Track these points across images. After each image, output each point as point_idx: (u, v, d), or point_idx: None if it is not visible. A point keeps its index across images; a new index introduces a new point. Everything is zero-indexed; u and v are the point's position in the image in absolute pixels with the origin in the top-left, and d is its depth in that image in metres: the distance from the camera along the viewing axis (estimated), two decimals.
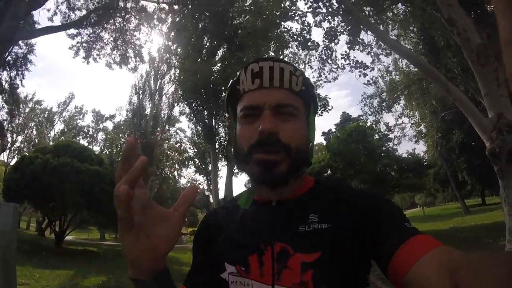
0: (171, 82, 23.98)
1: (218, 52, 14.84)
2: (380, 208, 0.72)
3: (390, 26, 13.33)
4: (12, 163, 23.30)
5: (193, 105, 14.88)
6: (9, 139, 26.35)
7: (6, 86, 14.79)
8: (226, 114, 0.91)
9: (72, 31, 13.99)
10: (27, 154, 15.55)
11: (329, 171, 24.50)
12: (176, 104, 24.31)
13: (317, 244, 0.71)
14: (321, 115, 16.78)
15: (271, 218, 0.78)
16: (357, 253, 0.70)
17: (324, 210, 0.75)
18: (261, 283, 0.72)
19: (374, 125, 21.61)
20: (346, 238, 0.70)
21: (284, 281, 0.70)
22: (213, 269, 0.80)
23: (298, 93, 0.78)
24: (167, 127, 26.59)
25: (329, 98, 16.49)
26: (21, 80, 15.02)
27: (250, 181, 0.81)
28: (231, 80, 0.83)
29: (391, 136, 23.39)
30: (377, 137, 23.06)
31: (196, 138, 22.05)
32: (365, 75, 11.65)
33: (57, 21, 15.81)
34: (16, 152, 29.25)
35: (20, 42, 13.43)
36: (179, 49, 15.16)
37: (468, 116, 5.77)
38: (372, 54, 12.03)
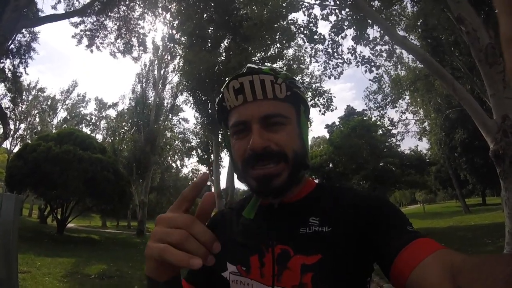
0: (175, 72, 23.95)
1: (223, 42, 14.77)
2: (382, 212, 0.72)
3: (397, 19, 13.23)
4: (15, 151, 23.44)
5: (197, 95, 14.86)
6: (12, 127, 26.41)
7: (9, 74, 14.77)
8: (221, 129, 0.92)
9: (76, 19, 13.93)
10: (30, 142, 15.62)
11: (330, 165, 24.52)
12: (179, 93, 24.31)
13: (318, 247, 0.71)
14: (324, 114, 16.72)
15: (273, 220, 0.80)
16: (358, 256, 0.70)
17: (325, 213, 0.76)
18: (262, 284, 0.73)
19: (378, 120, 21.57)
20: (347, 241, 0.71)
21: (284, 283, 0.71)
22: (215, 268, 0.80)
23: (284, 100, 0.77)
24: (170, 116, 26.65)
25: (334, 97, 16.41)
26: (24, 68, 15.02)
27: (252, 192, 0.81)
28: (217, 98, 0.83)
29: (395, 131, 23.37)
30: (381, 132, 23.02)
31: (199, 128, 22.09)
32: (371, 71, 11.55)
33: (61, 9, 15.71)
34: (19, 139, 29.37)
35: (23, 30, 13.38)
36: (183, 38, 15.09)
37: (473, 116, 5.73)
38: (378, 50, 11.94)
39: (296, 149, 0.76)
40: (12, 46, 13.34)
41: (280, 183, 0.74)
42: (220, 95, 0.81)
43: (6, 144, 28.45)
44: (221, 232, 0.86)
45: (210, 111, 14.71)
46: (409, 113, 23.43)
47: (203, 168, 25.56)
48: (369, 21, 9.94)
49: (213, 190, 21.11)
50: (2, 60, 12.22)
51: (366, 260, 0.71)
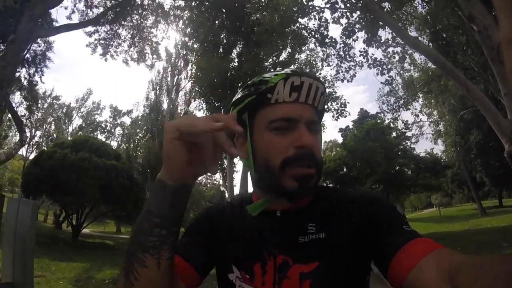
0: (188, 78, 24.20)
1: (235, 48, 14.85)
2: (378, 212, 0.73)
3: (408, 21, 13.14)
4: (30, 158, 23.87)
5: (210, 101, 14.95)
6: (28, 134, 26.95)
7: (25, 83, 15.10)
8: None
9: (90, 28, 14.21)
10: (45, 149, 15.86)
11: (344, 169, 24.33)
12: (193, 100, 24.55)
13: (315, 254, 0.73)
14: (337, 120, 16.66)
15: (275, 229, 0.79)
16: (356, 257, 0.72)
17: (321, 219, 0.77)
18: None
19: (391, 123, 21.32)
20: (344, 245, 0.72)
21: None
22: (220, 267, 0.83)
23: (318, 112, 0.81)
24: None
25: (348, 103, 16.33)
26: (40, 77, 15.41)
27: (273, 192, 0.78)
28: (259, 87, 0.78)
29: (409, 134, 23.07)
30: (395, 135, 22.75)
31: None
32: (383, 73, 11.47)
33: (75, 19, 16.03)
34: (35, 146, 29.99)
35: (38, 39, 13.68)
36: (195, 45, 15.23)
37: (487, 117, 5.65)
38: (390, 52, 11.86)
39: (321, 158, 0.78)
40: (27, 55, 13.71)
41: (312, 187, 0.75)
42: (267, 86, 0.76)
43: (22, 151, 29.01)
44: (222, 227, 0.87)
45: None
46: (423, 115, 23.08)
47: (217, 174, 25.62)
48: (380, 23, 9.90)
49: (226, 195, 21.14)
50: (18, 69, 12.50)
51: (365, 259, 0.72)
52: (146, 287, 0.63)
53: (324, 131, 18.92)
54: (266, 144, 0.76)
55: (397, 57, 12.43)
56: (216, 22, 14.01)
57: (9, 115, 14.52)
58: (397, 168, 21.64)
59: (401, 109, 18.88)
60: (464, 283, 0.46)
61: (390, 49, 11.82)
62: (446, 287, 0.50)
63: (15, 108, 14.62)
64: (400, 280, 0.59)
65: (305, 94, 0.75)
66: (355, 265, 0.72)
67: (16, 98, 22.21)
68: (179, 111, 25.97)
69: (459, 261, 0.51)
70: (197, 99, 20.74)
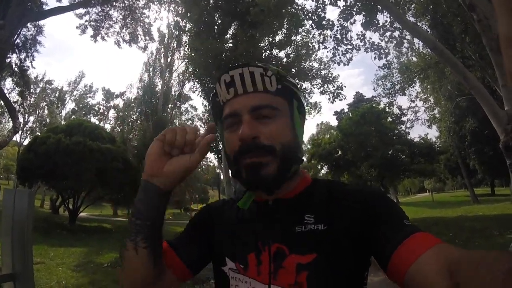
0: (182, 59, 23.89)
1: (229, 29, 14.59)
2: (377, 207, 0.72)
3: (406, 7, 12.98)
4: (24, 143, 23.66)
5: (204, 82, 14.78)
6: (21, 120, 26.65)
7: (16, 68, 14.85)
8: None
9: (80, 10, 13.88)
10: (39, 134, 15.69)
11: (339, 152, 24.41)
12: (187, 81, 24.30)
13: (313, 245, 0.72)
14: (333, 102, 16.50)
15: (269, 218, 0.80)
16: (355, 252, 0.71)
17: (320, 210, 0.76)
18: (259, 282, 0.74)
19: (387, 107, 21.25)
20: (343, 239, 0.71)
21: (280, 281, 0.72)
22: (215, 261, 0.85)
23: (275, 93, 0.78)
24: (178, 104, 26.70)
25: (345, 86, 16.18)
26: (31, 62, 15.17)
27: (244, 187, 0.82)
28: (211, 95, 0.86)
29: (404, 119, 23.08)
30: (390, 119, 22.77)
31: (207, 116, 22.01)
32: (380, 58, 11.37)
33: (65, 1, 15.59)
34: (29, 132, 29.70)
35: (28, 24, 13.37)
36: (188, 26, 14.93)
37: (484, 106, 5.65)
38: (388, 36, 11.72)
39: (285, 142, 0.76)
40: (18, 40, 13.42)
41: (268, 174, 0.73)
42: (214, 91, 0.83)
43: (16, 137, 28.72)
44: (220, 221, 0.89)
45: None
46: (419, 100, 23.07)
47: (212, 156, 25.59)
48: (378, 6, 9.75)
49: (222, 177, 21.23)
50: (8, 55, 12.25)
51: (363, 255, 0.72)
52: (129, 268, 0.75)
53: (320, 113, 18.84)
54: (225, 143, 0.81)
55: (394, 42, 12.31)
56: (211, 1, 13.72)
57: (1, 102, 14.31)
58: (392, 152, 21.75)
59: (397, 94, 18.83)
60: (463, 279, 0.46)
61: (388, 33, 11.69)
62: (445, 283, 0.50)
63: (7, 95, 14.41)
64: (400, 275, 0.59)
65: (239, 85, 0.77)
66: (354, 260, 0.71)
67: (8, 84, 21.89)
68: (172, 92, 25.76)
69: (458, 256, 0.51)
70: (191, 81, 20.55)
